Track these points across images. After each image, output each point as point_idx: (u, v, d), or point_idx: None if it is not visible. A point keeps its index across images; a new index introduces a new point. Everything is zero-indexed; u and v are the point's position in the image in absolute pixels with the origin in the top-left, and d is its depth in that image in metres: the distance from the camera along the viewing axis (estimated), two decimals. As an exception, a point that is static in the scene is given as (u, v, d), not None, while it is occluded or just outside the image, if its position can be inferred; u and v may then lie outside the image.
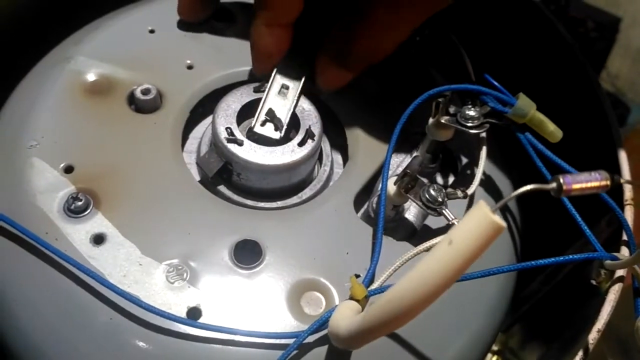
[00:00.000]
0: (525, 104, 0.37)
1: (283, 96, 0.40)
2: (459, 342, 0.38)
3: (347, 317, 0.28)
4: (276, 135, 0.39)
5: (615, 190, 0.39)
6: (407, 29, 0.39)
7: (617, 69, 1.36)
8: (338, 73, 0.41)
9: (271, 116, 0.40)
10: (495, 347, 0.55)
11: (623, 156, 0.42)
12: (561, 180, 0.23)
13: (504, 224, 0.20)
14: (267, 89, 0.41)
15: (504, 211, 0.42)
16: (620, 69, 1.36)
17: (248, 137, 0.39)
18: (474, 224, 0.20)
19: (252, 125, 0.39)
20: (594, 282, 0.38)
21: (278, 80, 0.41)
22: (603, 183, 0.24)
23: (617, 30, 1.31)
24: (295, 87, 0.41)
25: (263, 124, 0.40)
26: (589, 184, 0.24)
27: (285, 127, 0.40)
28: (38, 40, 0.47)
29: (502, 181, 0.43)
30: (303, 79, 0.41)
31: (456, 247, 0.21)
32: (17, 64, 0.46)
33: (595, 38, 1.27)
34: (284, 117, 0.40)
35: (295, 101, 0.40)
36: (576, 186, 0.23)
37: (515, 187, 0.45)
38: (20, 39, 0.51)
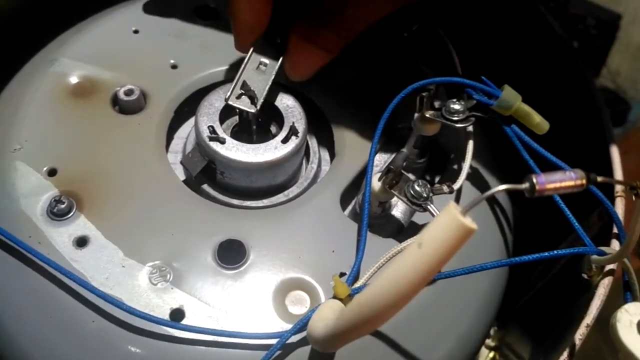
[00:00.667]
0: (510, 96, 0.36)
1: (261, 72, 0.39)
2: (449, 340, 0.37)
3: (326, 317, 0.28)
4: (252, 108, 0.38)
5: (593, 183, 0.38)
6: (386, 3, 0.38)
7: (618, 66, 1.35)
8: (309, 54, 0.39)
9: (246, 89, 0.39)
10: (492, 343, 0.55)
11: (614, 150, 0.41)
12: (534, 180, 0.23)
13: (474, 225, 0.20)
14: (243, 63, 0.40)
15: (492, 206, 0.41)
16: (621, 66, 1.35)
17: (231, 135, 0.39)
18: (443, 226, 0.20)
19: (227, 97, 0.38)
20: (585, 276, 0.37)
21: (255, 57, 0.40)
22: (578, 182, 0.24)
23: (618, 27, 1.29)
24: (273, 64, 0.40)
25: (239, 97, 0.39)
26: (564, 184, 0.23)
27: (261, 100, 0.38)
28: (25, 44, 0.47)
29: (490, 176, 0.42)
30: (282, 57, 0.40)
31: (426, 250, 0.20)
32: (3, 68, 0.45)
33: (596, 35, 1.26)
34: (261, 91, 0.39)
35: (272, 76, 0.39)
36: (550, 186, 0.23)
37: (505, 181, 0.44)
38: (5, 43, 0.51)
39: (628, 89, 1.30)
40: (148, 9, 0.46)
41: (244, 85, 0.38)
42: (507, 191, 0.22)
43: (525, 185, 0.22)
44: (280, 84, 0.40)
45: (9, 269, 0.35)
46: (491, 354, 0.55)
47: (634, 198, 0.27)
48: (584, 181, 0.23)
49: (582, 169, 0.25)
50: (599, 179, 0.24)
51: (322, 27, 0.38)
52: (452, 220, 0.19)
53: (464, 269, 0.33)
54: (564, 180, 0.23)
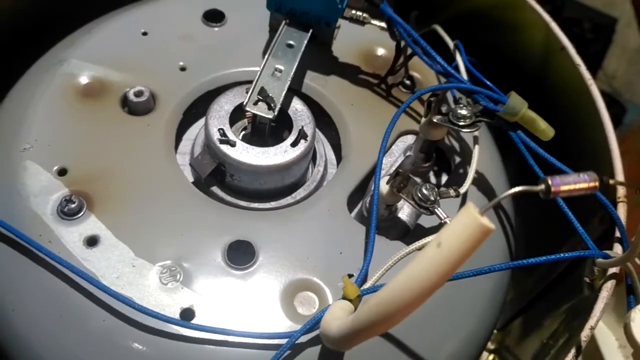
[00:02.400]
0: (516, 102, 0.37)
1: (276, 78, 0.40)
2: (453, 341, 0.38)
3: (338, 317, 0.28)
4: (269, 114, 0.39)
5: (609, 188, 0.39)
6: None
7: (614, 69, 1.36)
8: None
9: (263, 95, 0.39)
10: (492, 346, 0.55)
11: (616, 155, 0.42)
12: (550, 182, 0.23)
13: (492, 226, 0.20)
14: (259, 70, 0.40)
15: (497, 210, 0.42)
16: (617, 69, 1.36)
17: (242, 138, 0.39)
18: (463, 226, 0.20)
19: (245, 103, 0.39)
20: (587, 279, 0.38)
21: (271, 62, 0.41)
22: (592, 184, 0.24)
23: (614, 30, 1.31)
24: (288, 70, 0.40)
25: (255, 103, 0.39)
26: (578, 186, 0.24)
27: (278, 106, 0.39)
28: (33, 43, 0.47)
29: (495, 180, 0.43)
30: (297, 62, 0.41)
31: (445, 249, 0.21)
32: (12, 67, 0.46)
33: (592, 39, 1.27)
34: (277, 97, 0.39)
35: (288, 82, 0.40)
36: (564, 188, 0.23)
37: (510, 185, 0.45)
38: (15, 42, 0.52)
39: (624, 92, 1.31)
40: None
41: (262, 91, 0.39)
42: (522, 193, 0.23)
43: (541, 187, 0.23)
44: (290, 89, 0.41)
45: (19, 268, 0.36)
46: (491, 357, 0.56)
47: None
48: (597, 183, 0.24)
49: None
50: (611, 181, 0.25)
51: None
52: (471, 220, 0.20)
53: (472, 271, 0.34)
54: (578, 182, 0.24)
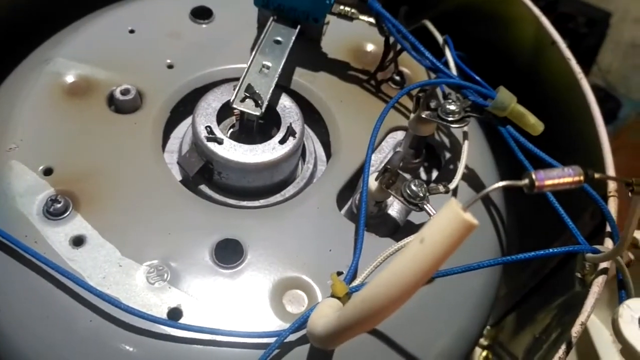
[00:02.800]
0: (505, 97, 0.37)
1: (264, 75, 0.39)
2: (444, 338, 0.37)
3: (325, 315, 0.28)
4: (256, 111, 0.38)
5: (599, 182, 0.39)
6: None
7: (608, 63, 1.36)
8: None
9: (251, 92, 0.39)
10: (485, 342, 0.55)
11: (607, 150, 0.42)
12: (533, 177, 0.23)
13: (475, 221, 0.20)
14: (247, 66, 0.40)
15: (487, 205, 0.42)
16: (612, 63, 1.36)
17: (229, 136, 0.39)
18: (445, 222, 0.20)
19: (231, 100, 0.38)
20: (579, 275, 0.38)
21: (258, 59, 0.40)
22: (576, 178, 0.24)
23: (608, 25, 1.31)
24: (275, 66, 0.40)
25: (243, 100, 0.39)
26: (562, 180, 0.24)
27: (266, 103, 0.38)
28: (20, 43, 0.47)
29: (486, 175, 0.43)
30: (284, 58, 0.41)
31: (427, 246, 0.20)
32: (3, 66, 0.45)
33: (586, 33, 1.27)
34: (265, 93, 0.39)
35: (276, 79, 0.39)
36: (548, 182, 0.23)
37: (500, 180, 0.45)
38: (1, 43, 0.51)
39: (618, 86, 1.31)
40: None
41: (249, 88, 0.38)
42: (506, 187, 0.22)
43: (525, 182, 0.23)
44: (278, 85, 0.41)
45: (5, 269, 0.35)
46: (484, 353, 0.55)
47: (629, 194, 0.27)
48: (582, 177, 0.24)
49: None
50: (596, 175, 0.24)
51: None
52: (454, 215, 0.19)
53: (461, 267, 0.34)
54: (562, 176, 0.23)
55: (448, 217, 0.20)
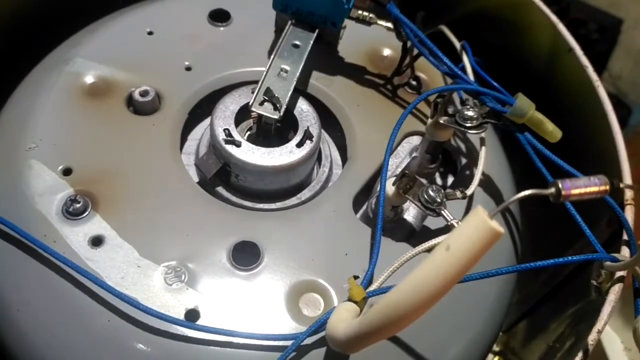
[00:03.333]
0: (524, 104, 0.37)
1: (282, 78, 0.40)
2: (459, 344, 0.37)
3: (344, 319, 0.28)
4: (275, 114, 0.39)
5: (616, 190, 0.39)
6: None
7: (619, 70, 1.35)
8: None
9: (269, 96, 0.39)
10: (496, 348, 0.55)
11: (624, 158, 0.42)
12: (560, 186, 0.23)
13: (502, 229, 0.20)
14: (265, 70, 0.40)
15: (503, 213, 0.42)
16: (622, 70, 1.36)
17: (247, 139, 0.39)
18: (472, 229, 0.20)
19: (250, 104, 0.39)
20: (594, 282, 0.37)
21: (277, 63, 0.40)
22: (602, 188, 0.24)
23: (619, 31, 1.30)
24: (294, 70, 0.40)
25: (261, 103, 0.39)
26: (588, 189, 0.24)
27: (284, 106, 0.39)
28: (38, 42, 0.47)
29: (502, 181, 0.43)
30: (302, 62, 0.41)
31: (454, 253, 0.20)
32: (17, 66, 0.46)
33: (597, 39, 1.26)
34: (283, 97, 0.39)
35: (294, 83, 0.40)
36: (575, 191, 0.23)
37: (517, 187, 0.45)
38: (20, 41, 0.51)
39: (629, 93, 1.31)
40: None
41: (267, 91, 0.39)
42: (532, 197, 0.22)
43: (551, 191, 0.23)
44: (295, 89, 0.41)
45: (24, 268, 0.35)
46: (495, 359, 0.55)
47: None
48: (608, 187, 0.24)
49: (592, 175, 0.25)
50: (622, 184, 0.24)
51: None
52: (481, 223, 0.20)
53: (479, 274, 0.34)
54: (589, 185, 0.23)
55: (475, 224, 0.20)
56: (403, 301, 0.22)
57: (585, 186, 0.23)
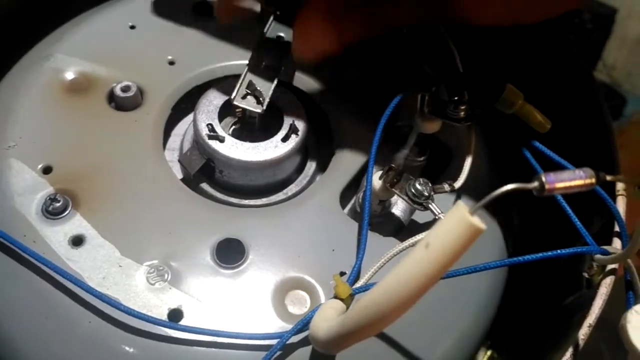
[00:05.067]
0: (511, 95, 0.36)
1: (265, 71, 0.39)
2: (449, 340, 0.37)
3: (328, 318, 0.27)
4: (258, 108, 0.38)
5: (603, 182, 0.38)
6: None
7: (614, 60, 1.35)
8: (323, 33, 0.35)
9: (252, 89, 0.38)
10: (488, 342, 0.54)
11: (615, 148, 0.41)
12: (543, 179, 0.22)
13: (483, 226, 0.20)
14: (248, 62, 0.39)
15: (491, 206, 0.41)
16: (617, 60, 1.35)
17: (231, 134, 0.39)
18: (452, 226, 0.20)
19: (232, 97, 0.38)
20: (586, 275, 0.37)
21: (259, 55, 0.40)
22: (588, 181, 0.23)
23: (614, 21, 1.29)
24: (277, 62, 0.39)
25: (244, 97, 0.38)
26: (573, 183, 0.23)
27: (267, 100, 0.38)
28: (20, 39, 0.46)
29: (492, 174, 0.42)
30: (287, 53, 0.40)
31: (433, 251, 0.20)
32: (2, 62, 0.45)
33: (591, 29, 1.25)
34: (266, 90, 0.38)
35: (278, 75, 0.39)
36: (559, 185, 0.22)
37: (507, 180, 0.44)
38: (1, 38, 0.50)
39: (624, 83, 1.30)
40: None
41: (250, 85, 0.38)
42: (515, 191, 0.22)
43: (534, 185, 0.22)
44: (280, 82, 0.40)
45: (3, 269, 0.35)
46: (489, 352, 0.55)
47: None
48: (594, 180, 0.23)
49: (583, 166, 0.24)
50: (608, 177, 0.24)
51: (352, 8, 0.35)
52: (461, 220, 0.19)
53: (466, 269, 0.33)
54: (574, 179, 0.23)
55: (454, 221, 0.19)
56: (382, 301, 0.21)
57: (570, 179, 0.22)
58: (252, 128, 0.40)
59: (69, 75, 0.42)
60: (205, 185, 0.40)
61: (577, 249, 0.34)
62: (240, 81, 0.38)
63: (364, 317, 0.22)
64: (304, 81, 0.44)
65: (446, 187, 0.36)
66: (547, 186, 0.22)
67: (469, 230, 0.19)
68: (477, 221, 0.19)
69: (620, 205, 0.37)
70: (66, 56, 0.43)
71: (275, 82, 0.38)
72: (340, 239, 0.37)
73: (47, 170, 0.37)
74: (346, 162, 0.40)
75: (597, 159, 0.42)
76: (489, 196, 0.21)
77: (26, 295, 0.34)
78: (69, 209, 0.36)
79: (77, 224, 0.36)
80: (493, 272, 0.39)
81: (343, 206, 0.39)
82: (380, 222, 0.38)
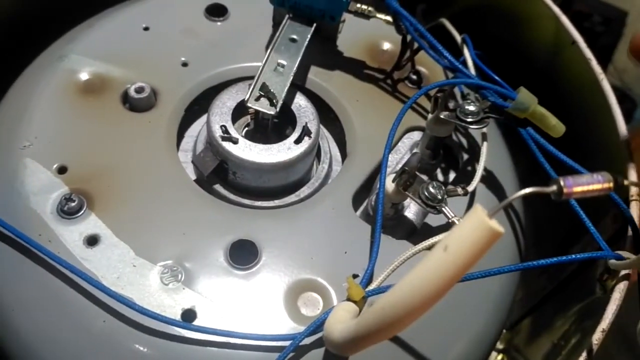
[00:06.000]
0: (526, 98, 0.36)
1: (279, 73, 0.39)
2: (461, 343, 0.37)
3: (342, 320, 0.27)
4: (271, 110, 0.38)
5: (620, 187, 0.38)
6: None
7: (624, 63, 1.34)
8: None
9: (265, 91, 0.38)
10: (500, 346, 0.54)
11: (629, 153, 0.41)
12: (562, 183, 0.22)
13: (501, 229, 0.20)
14: (262, 65, 0.39)
15: (506, 209, 0.41)
16: (627, 63, 1.34)
17: (244, 135, 0.39)
18: (470, 229, 0.19)
19: (246, 99, 0.38)
20: (599, 280, 0.37)
21: (273, 57, 0.40)
22: (606, 185, 0.23)
23: (624, 24, 1.29)
24: (291, 65, 0.40)
25: (257, 99, 0.38)
26: (591, 187, 0.23)
27: (280, 102, 0.38)
28: (35, 39, 0.46)
29: (504, 177, 0.42)
30: (300, 57, 0.40)
31: (451, 254, 0.20)
32: (13, 64, 0.45)
33: (602, 32, 1.25)
34: (280, 92, 0.38)
35: (291, 78, 0.39)
36: (577, 189, 0.22)
37: (520, 183, 0.44)
38: (16, 39, 0.51)
39: (634, 86, 1.29)
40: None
41: (263, 87, 0.38)
42: (533, 194, 0.22)
43: (553, 188, 0.22)
44: (293, 85, 0.40)
45: (19, 268, 0.35)
46: (499, 357, 0.55)
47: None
48: (611, 184, 0.23)
49: (595, 171, 0.24)
50: (626, 182, 0.24)
51: None
52: (479, 223, 0.19)
53: (481, 272, 0.33)
54: (592, 183, 0.23)
55: (473, 224, 0.19)
56: (399, 303, 0.21)
57: (588, 183, 0.22)
58: (265, 130, 0.40)
59: (83, 76, 0.42)
60: (218, 187, 0.40)
61: (591, 254, 0.34)
62: (253, 83, 0.38)
63: (381, 319, 0.22)
64: (317, 83, 0.44)
65: (459, 190, 0.36)
66: (565, 190, 0.22)
67: (487, 234, 0.19)
68: (496, 224, 0.19)
69: (634, 210, 0.37)
70: (80, 57, 0.43)
71: (289, 84, 0.38)
72: (353, 241, 0.37)
73: (62, 170, 0.38)
74: (358, 165, 0.40)
75: (610, 164, 0.42)
76: (508, 199, 0.21)
77: (41, 294, 0.34)
78: (84, 208, 0.36)
79: (92, 223, 0.36)
80: (506, 276, 0.39)
81: (355, 209, 0.39)
82: (393, 225, 0.39)
